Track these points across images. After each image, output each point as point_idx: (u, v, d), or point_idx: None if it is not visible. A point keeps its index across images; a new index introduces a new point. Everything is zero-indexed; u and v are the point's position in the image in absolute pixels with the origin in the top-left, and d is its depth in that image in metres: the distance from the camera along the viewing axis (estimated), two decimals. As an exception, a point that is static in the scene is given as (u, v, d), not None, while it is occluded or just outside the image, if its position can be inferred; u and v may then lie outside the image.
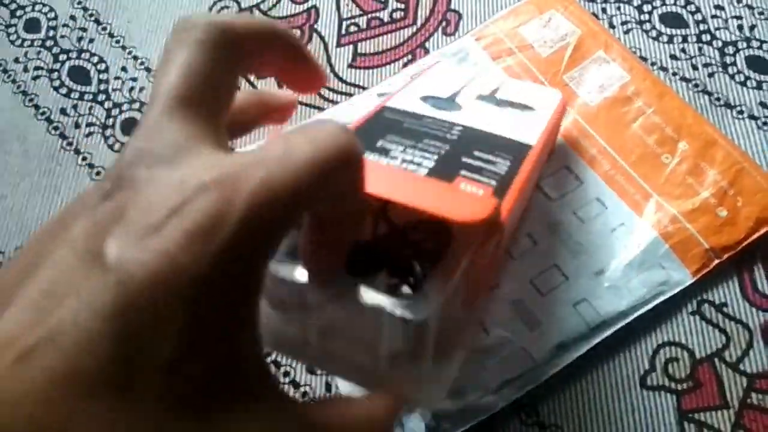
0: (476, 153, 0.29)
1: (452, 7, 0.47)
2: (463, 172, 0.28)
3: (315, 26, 0.47)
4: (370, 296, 0.22)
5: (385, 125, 0.31)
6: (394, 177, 0.26)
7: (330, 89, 0.45)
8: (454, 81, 0.38)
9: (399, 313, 0.21)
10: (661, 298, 0.37)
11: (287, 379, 0.37)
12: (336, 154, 0.16)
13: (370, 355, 0.23)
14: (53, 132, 0.45)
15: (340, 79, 0.45)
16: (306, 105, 0.45)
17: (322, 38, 0.47)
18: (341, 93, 0.45)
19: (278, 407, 0.18)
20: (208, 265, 0.14)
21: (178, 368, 0.14)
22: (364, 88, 0.45)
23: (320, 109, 0.44)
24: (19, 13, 0.50)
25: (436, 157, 0.28)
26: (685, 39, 0.45)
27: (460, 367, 0.28)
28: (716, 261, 0.38)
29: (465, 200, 0.25)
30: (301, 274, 0.22)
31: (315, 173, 0.16)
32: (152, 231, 0.15)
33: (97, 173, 0.43)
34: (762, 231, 0.38)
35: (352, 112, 0.43)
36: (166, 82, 0.18)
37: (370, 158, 0.27)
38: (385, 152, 0.28)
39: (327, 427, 0.19)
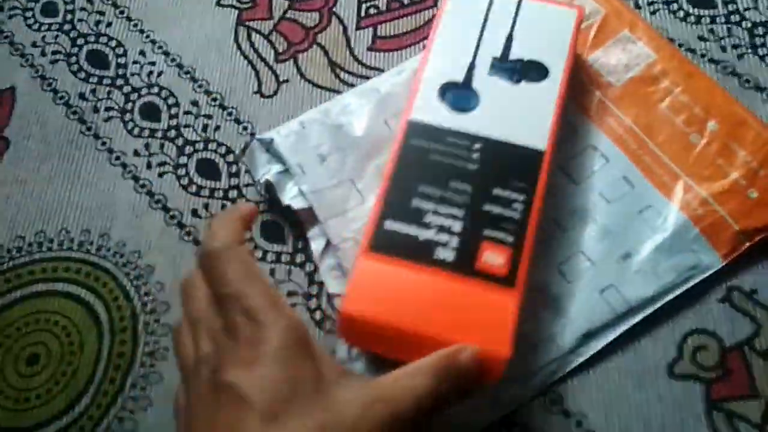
0: (495, 192, 0.34)
1: (473, -13, 0.46)
2: (485, 232, 0.33)
3: (333, 9, 0.47)
4: None
5: (415, 163, 0.35)
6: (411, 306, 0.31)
7: (349, 72, 0.45)
8: (465, 40, 0.39)
9: None
10: (691, 283, 0.36)
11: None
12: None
13: None
14: (72, 117, 0.45)
15: (360, 62, 0.45)
16: (323, 88, 0.44)
17: (341, 21, 0.46)
18: (360, 76, 0.44)
19: None
20: None
21: None
22: (383, 71, 0.44)
23: (338, 92, 0.44)
24: (36, -3, 0.49)
25: (462, 212, 0.33)
26: (713, 20, 0.43)
27: None
28: (747, 244, 0.37)
29: (483, 331, 0.30)
30: None
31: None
32: None
33: (117, 158, 0.43)
34: (794, 213, 0.37)
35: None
36: None
37: (403, 229, 0.33)
38: (418, 217, 0.33)
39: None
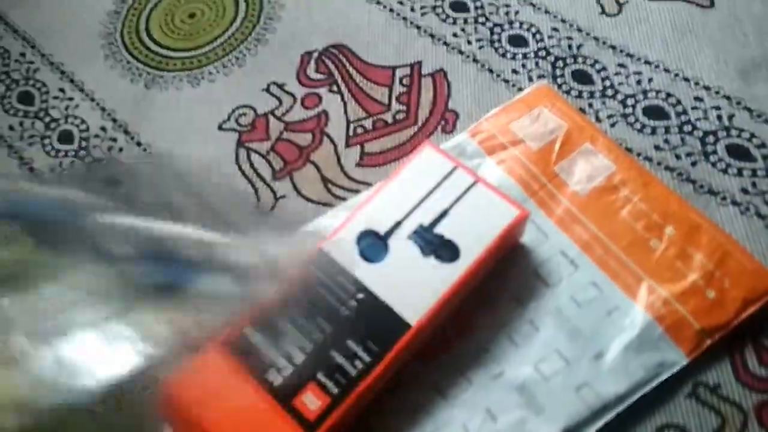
0: (348, 343, 0.37)
1: (450, 107, 0.51)
2: (318, 375, 0.36)
3: (325, 129, 0.51)
4: None
5: (303, 288, 0.39)
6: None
7: (340, 187, 0.49)
8: (409, 198, 0.42)
9: None
10: (659, 379, 0.39)
11: None
12: None
13: None
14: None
15: (349, 177, 0.49)
16: (315, 202, 0.48)
17: (331, 140, 0.51)
18: (350, 190, 0.49)
19: None
20: None
21: None
22: (370, 185, 0.48)
23: (330, 205, 0.48)
24: (53, 125, 0.54)
25: (311, 347, 0.37)
26: (667, 130, 0.48)
27: None
28: (708, 341, 0.40)
29: None
30: None
31: None
32: None
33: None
34: (750, 311, 0.40)
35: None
36: None
37: (258, 342, 0.37)
38: (275, 336, 0.37)
39: None
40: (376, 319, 0.38)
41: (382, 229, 0.41)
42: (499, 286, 0.42)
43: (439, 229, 0.40)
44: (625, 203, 0.44)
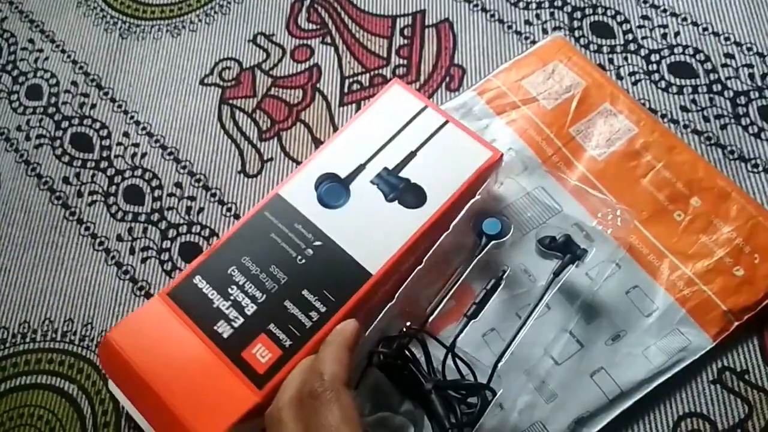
0: (303, 292, 0.34)
1: (456, 62, 0.46)
2: (270, 327, 0.33)
3: (317, 85, 0.47)
4: None
5: (256, 235, 0.36)
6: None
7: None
8: (375, 139, 0.39)
9: None
10: (681, 365, 0.35)
11: None
12: None
13: None
14: (56, 202, 0.44)
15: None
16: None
17: (324, 97, 0.46)
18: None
19: None
20: None
21: None
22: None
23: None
24: (21, 80, 0.50)
25: (264, 298, 0.34)
26: (695, 89, 0.44)
27: None
28: (736, 323, 0.36)
29: (213, 406, 0.31)
30: None
31: None
32: None
33: (100, 243, 0.43)
34: (782, 290, 0.37)
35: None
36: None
37: (206, 290, 0.34)
38: (224, 285, 0.34)
39: None
40: (334, 267, 0.35)
41: (343, 173, 0.38)
42: (507, 260, 0.38)
43: (405, 173, 0.37)
44: (648, 170, 0.40)
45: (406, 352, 0.32)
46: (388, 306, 0.34)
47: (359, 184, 0.37)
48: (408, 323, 0.33)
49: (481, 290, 0.36)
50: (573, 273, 0.37)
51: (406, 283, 0.35)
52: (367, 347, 0.32)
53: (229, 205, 0.43)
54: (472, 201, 0.37)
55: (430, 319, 0.35)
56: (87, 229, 0.43)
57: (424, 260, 0.35)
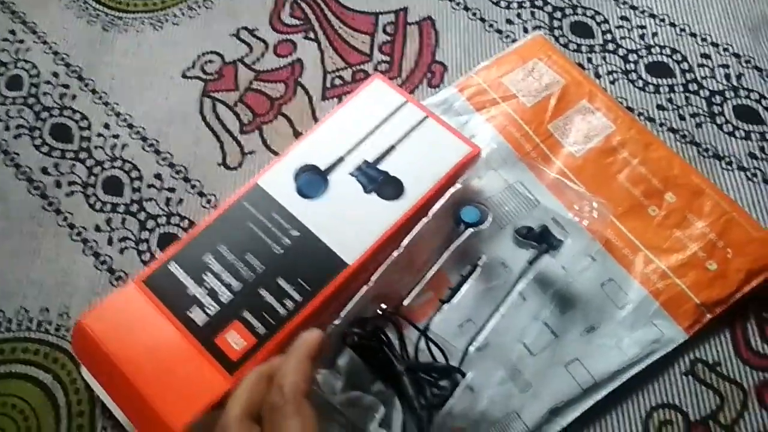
0: (279, 281, 0.34)
1: (437, 59, 0.47)
2: (244, 314, 0.33)
3: (299, 80, 0.47)
4: None
5: (233, 224, 0.36)
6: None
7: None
8: (355, 132, 0.39)
9: None
10: (655, 357, 0.36)
11: None
12: None
13: None
14: (34, 192, 0.44)
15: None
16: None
17: (306, 91, 0.47)
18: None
19: None
20: None
21: None
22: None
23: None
24: (1, 70, 0.49)
25: (239, 286, 0.34)
26: (671, 89, 0.44)
27: None
28: (708, 316, 0.37)
29: (184, 392, 0.31)
30: None
31: None
32: None
33: (78, 233, 0.42)
34: (754, 283, 0.37)
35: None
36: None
37: (181, 277, 0.35)
38: (199, 272, 0.35)
39: None
40: (311, 257, 0.35)
41: (322, 164, 0.38)
42: (485, 252, 0.39)
43: (384, 166, 0.38)
44: (624, 166, 0.41)
45: (381, 335, 0.32)
46: (364, 289, 0.34)
47: (338, 175, 0.38)
48: (383, 306, 0.33)
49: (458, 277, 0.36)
50: (548, 264, 0.37)
51: (382, 266, 0.35)
52: (342, 328, 0.32)
53: (209, 196, 0.43)
54: (453, 189, 0.37)
55: (405, 302, 0.35)
56: (65, 219, 0.43)
57: (402, 245, 0.35)
